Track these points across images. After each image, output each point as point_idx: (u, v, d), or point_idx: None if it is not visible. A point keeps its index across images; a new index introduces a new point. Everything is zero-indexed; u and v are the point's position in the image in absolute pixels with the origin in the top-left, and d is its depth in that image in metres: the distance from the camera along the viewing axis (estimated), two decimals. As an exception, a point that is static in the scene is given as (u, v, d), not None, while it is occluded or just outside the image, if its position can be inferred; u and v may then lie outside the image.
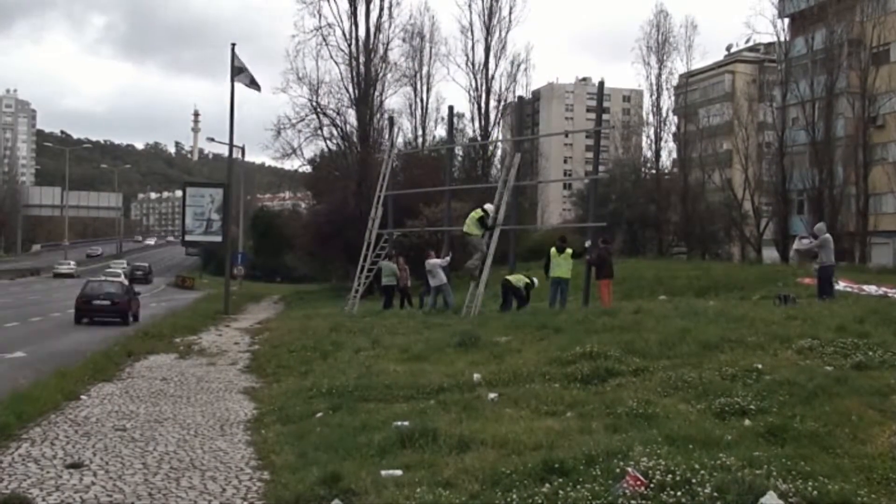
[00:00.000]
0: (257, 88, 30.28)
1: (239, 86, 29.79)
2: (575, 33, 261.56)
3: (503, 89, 52.24)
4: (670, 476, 5.04)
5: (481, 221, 17.98)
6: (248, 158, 69.70)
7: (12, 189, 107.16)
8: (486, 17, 50.84)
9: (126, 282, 30.77)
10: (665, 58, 55.44)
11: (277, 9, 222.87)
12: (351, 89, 46.46)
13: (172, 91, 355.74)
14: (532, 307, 17.04)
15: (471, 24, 61.24)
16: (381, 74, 47.39)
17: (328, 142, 49.16)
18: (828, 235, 17.16)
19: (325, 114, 46.96)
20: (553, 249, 17.52)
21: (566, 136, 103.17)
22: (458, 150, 48.32)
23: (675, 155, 59.52)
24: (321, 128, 47.31)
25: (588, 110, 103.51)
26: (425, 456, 6.24)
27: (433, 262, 20.15)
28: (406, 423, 7.11)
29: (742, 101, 57.51)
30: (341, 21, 46.40)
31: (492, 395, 8.38)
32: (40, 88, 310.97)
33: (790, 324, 10.82)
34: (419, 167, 44.53)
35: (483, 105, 51.28)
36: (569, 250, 17.51)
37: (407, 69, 50.71)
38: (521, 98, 38.70)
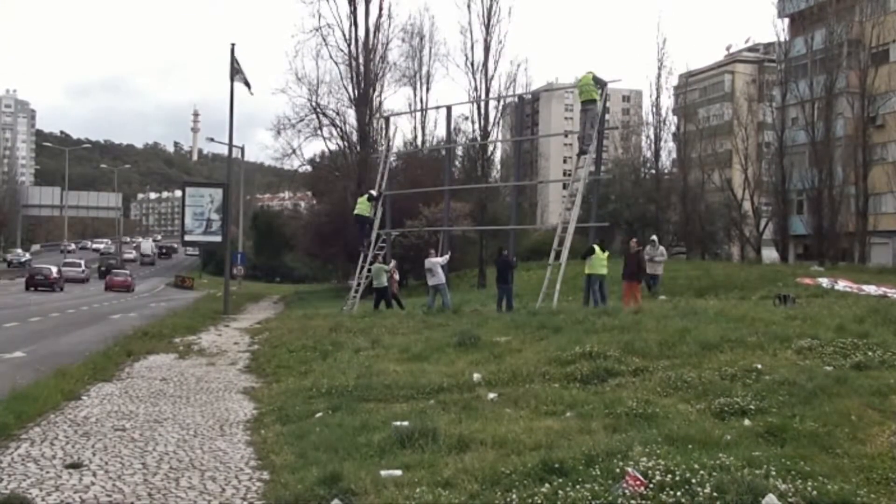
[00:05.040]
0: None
1: (238, 85, 29.77)
2: (575, 33, 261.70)
3: (503, 89, 52.16)
4: (670, 476, 5.05)
5: (596, 81, 18.53)
6: (247, 158, 69.70)
7: (12, 189, 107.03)
8: (485, 17, 50.61)
9: None
10: (664, 58, 55.36)
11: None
12: (350, 89, 46.47)
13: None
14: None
15: (470, 24, 61.02)
16: (380, 74, 47.40)
17: (328, 142, 49.19)
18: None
19: (324, 114, 46.98)
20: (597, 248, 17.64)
21: (566, 136, 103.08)
22: (459, 151, 48.27)
23: (674, 155, 59.50)
24: (321, 128, 47.34)
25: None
26: (425, 456, 6.24)
27: (433, 260, 20.19)
28: (406, 423, 7.11)
29: (742, 101, 57.56)
30: (340, 21, 46.44)
31: (491, 395, 8.38)
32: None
33: (790, 324, 10.83)
34: (419, 167, 44.53)
35: (482, 105, 51.20)
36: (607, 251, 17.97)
37: (406, 69, 50.67)
38: (520, 98, 38.67)
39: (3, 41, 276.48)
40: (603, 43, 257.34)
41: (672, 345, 9.76)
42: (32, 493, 5.90)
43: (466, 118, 49.08)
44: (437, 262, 20.15)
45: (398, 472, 5.88)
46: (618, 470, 5.27)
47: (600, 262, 17.55)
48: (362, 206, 23.42)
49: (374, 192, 24.16)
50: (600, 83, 18.61)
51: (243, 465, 6.87)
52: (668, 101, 59.63)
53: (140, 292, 52.00)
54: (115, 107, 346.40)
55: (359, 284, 23.54)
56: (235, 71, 29.19)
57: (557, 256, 18.28)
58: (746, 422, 6.60)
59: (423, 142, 52.39)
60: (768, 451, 5.70)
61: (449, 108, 27.07)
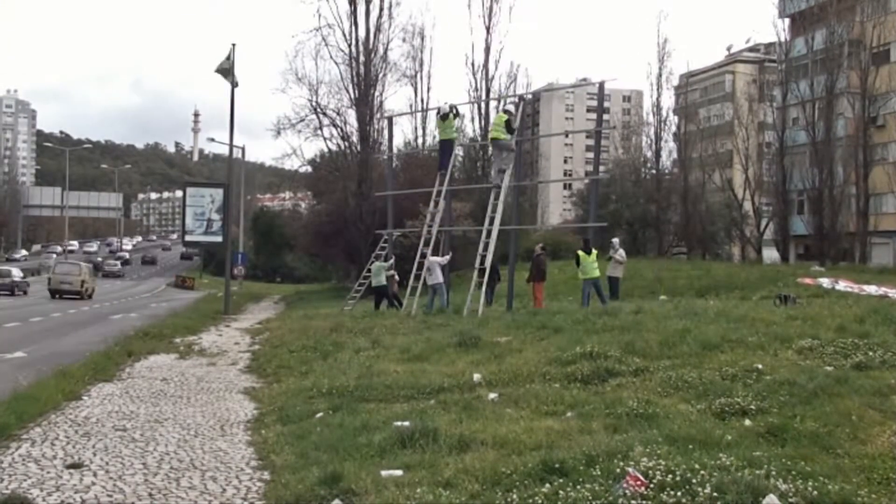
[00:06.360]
0: (234, 84, 29.83)
1: (239, 85, 29.78)
2: (575, 33, 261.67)
3: (503, 89, 52.13)
4: (670, 476, 5.05)
5: (507, 125, 18.73)
6: (248, 158, 69.70)
7: (12, 189, 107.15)
8: (485, 17, 50.76)
9: None
10: (665, 58, 55.35)
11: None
12: (351, 89, 46.41)
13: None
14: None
15: (470, 24, 61.40)
16: (380, 75, 47.36)
17: (328, 142, 49.13)
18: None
19: (324, 114, 46.90)
20: (581, 252, 17.97)
21: (566, 136, 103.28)
22: (459, 151, 48.24)
23: (675, 155, 59.54)
24: (321, 128, 47.25)
25: (588, 110, 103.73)
26: (425, 456, 6.24)
27: (433, 259, 20.13)
28: (406, 423, 7.11)
29: (742, 101, 57.62)
30: (341, 21, 46.41)
31: (492, 395, 8.38)
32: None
33: (790, 324, 10.82)
34: (419, 167, 44.51)
35: (483, 105, 51.16)
36: (594, 251, 18.08)
37: (407, 69, 50.64)
38: (520, 98, 38.58)
39: (5, 41, 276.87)
40: (604, 43, 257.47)
41: (673, 345, 9.76)
42: (33, 494, 5.90)
43: (462, 116, 49.06)
44: (435, 261, 20.12)
45: (399, 472, 5.88)
46: (618, 470, 5.27)
47: (590, 265, 17.71)
48: (448, 130, 21.47)
49: (446, 107, 21.45)
50: (511, 130, 18.68)
51: (244, 465, 6.87)
52: (668, 101, 59.71)
53: (140, 292, 52.01)
54: (114, 106, 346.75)
55: (360, 284, 23.52)
56: (227, 70, 29.08)
57: (482, 262, 18.49)
58: (747, 422, 6.60)
59: (424, 142, 52.40)
60: (769, 452, 5.70)
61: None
